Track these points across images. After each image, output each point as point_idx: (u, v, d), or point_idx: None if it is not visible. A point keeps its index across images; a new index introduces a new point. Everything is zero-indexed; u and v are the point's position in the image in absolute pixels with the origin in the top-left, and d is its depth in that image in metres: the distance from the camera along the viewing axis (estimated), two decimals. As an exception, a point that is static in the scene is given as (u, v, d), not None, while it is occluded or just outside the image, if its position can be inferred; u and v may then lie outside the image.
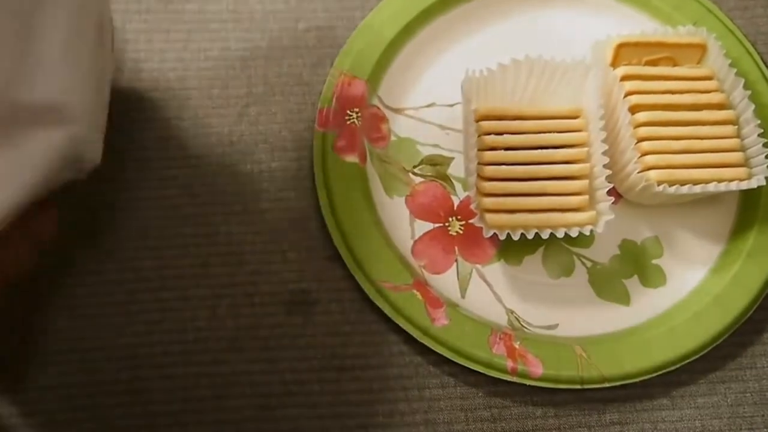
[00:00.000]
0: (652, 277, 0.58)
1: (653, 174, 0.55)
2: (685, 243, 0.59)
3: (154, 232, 0.58)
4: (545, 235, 0.54)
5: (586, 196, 0.55)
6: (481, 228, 0.54)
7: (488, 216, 0.54)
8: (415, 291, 0.55)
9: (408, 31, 0.62)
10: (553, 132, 0.56)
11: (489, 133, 0.56)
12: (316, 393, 0.55)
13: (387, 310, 0.55)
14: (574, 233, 0.54)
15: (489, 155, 0.55)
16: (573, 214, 0.54)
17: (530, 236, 0.54)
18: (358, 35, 0.62)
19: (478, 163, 0.55)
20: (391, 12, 0.63)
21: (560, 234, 0.54)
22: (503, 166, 0.55)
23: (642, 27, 0.62)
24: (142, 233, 0.58)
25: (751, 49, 0.63)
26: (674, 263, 0.59)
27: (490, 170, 0.54)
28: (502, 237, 0.54)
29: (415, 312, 0.55)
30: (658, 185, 0.55)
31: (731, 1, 0.66)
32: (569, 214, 0.55)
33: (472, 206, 0.55)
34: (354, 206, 0.57)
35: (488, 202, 0.54)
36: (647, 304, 0.57)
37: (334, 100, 0.60)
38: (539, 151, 0.55)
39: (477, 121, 0.56)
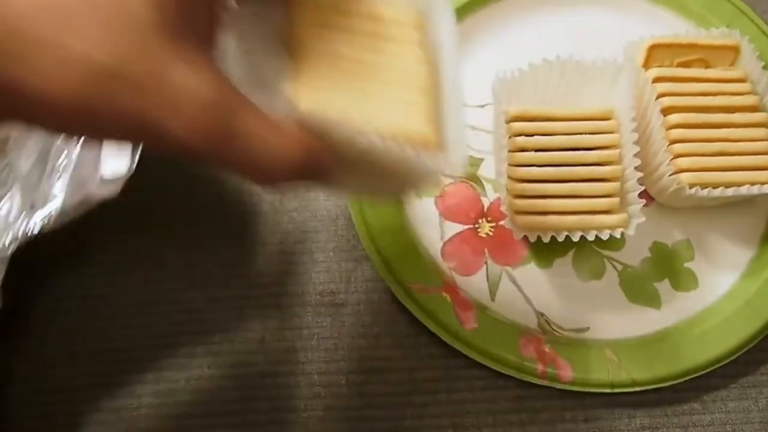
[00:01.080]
0: (683, 280, 0.58)
1: (685, 176, 0.55)
2: (717, 246, 0.59)
3: (180, 231, 0.58)
4: (575, 238, 0.54)
5: (618, 199, 0.54)
6: (511, 230, 0.54)
7: (519, 218, 0.54)
8: (444, 293, 0.55)
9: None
10: (585, 133, 0.55)
11: (520, 135, 0.55)
12: (344, 395, 0.55)
13: (416, 312, 0.55)
14: (604, 236, 0.54)
15: (520, 157, 0.54)
16: (604, 217, 0.54)
17: (561, 238, 0.54)
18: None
19: (509, 165, 0.54)
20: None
21: (591, 236, 0.54)
22: (534, 168, 0.54)
23: (674, 28, 0.62)
24: (167, 232, 0.58)
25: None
26: (706, 267, 0.58)
27: (521, 172, 0.54)
28: (533, 239, 0.54)
29: (444, 314, 0.55)
30: (690, 188, 0.54)
31: (765, 3, 0.65)
32: (600, 216, 0.54)
33: (503, 208, 0.54)
34: (383, 207, 0.57)
35: (519, 203, 0.54)
36: (678, 308, 0.57)
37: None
38: (571, 152, 0.54)
39: (508, 122, 0.55)
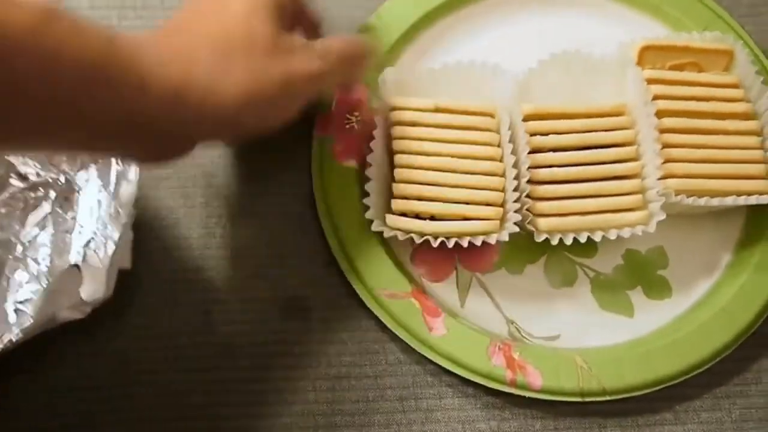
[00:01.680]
0: (656, 288, 0.57)
1: (673, 182, 0.54)
2: (692, 253, 0.58)
3: (145, 234, 0.57)
4: (597, 238, 0.53)
5: (641, 196, 0.54)
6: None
7: (542, 220, 0.53)
8: (412, 299, 0.54)
9: (410, 34, 0.61)
10: (600, 130, 0.54)
11: (536, 134, 0.54)
12: (311, 402, 0.54)
13: (384, 317, 0.54)
14: (626, 234, 0.53)
15: (539, 158, 0.54)
16: (626, 215, 0.53)
17: (582, 240, 0.53)
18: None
19: (530, 167, 0.53)
20: (393, 15, 0.61)
21: (612, 236, 0.53)
22: (556, 168, 0.54)
23: (652, 33, 0.61)
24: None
25: (762, 56, 0.62)
26: (680, 274, 0.57)
27: (543, 173, 0.53)
28: (554, 242, 0.53)
29: (412, 320, 0.54)
30: (677, 195, 0.53)
31: (742, 8, 0.65)
32: (622, 214, 0.53)
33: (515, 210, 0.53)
34: (352, 212, 0.56)
35: (544, 206, 0.53)
36: (651, 316, 0.56)
37: (334, 104, 0.58)
38: (589, 151, 0.54)
39: (524, 121, 0.55)
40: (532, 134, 0.54)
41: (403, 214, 0.53)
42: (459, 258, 0.57)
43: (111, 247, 0.51)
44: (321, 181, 0.57)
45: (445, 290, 0.56)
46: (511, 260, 0.57)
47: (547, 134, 0.54)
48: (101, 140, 0.44)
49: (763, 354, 0.56)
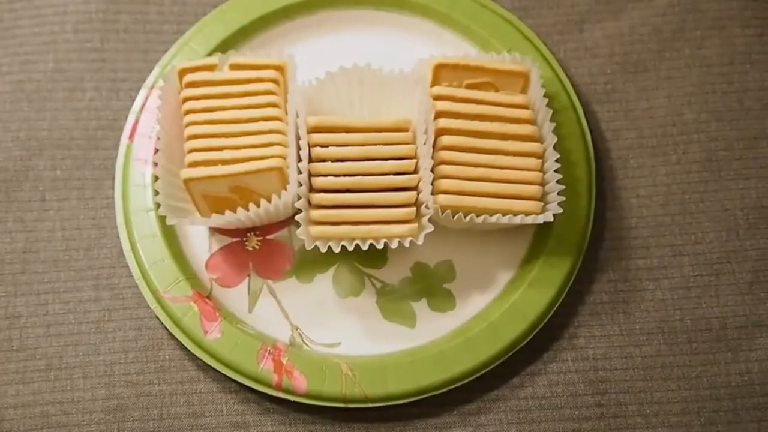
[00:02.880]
0: (441, 301, 0.58)
1: (441, 198, 0.55)
2: (479, 269, 0.59)
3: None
4: (365, 246, 0.55)
5: (413, 209, 0.55)
6: (279, 244, 0.56)
7: (313, 228, 0.55)
8: (192, 303, 0.57)
9: (223, 49, 0.63)
10: (381, 144, 0.56)
11: (318, 145, 0.56)
12: (87, 388, 0.56)
13: (163, 318, 0.57)
14: (394, 245, 0.55)
15: (319, 167, 0.55)
16: (395, 226, 0.55)
17: (351, 248, 0.55)
18: (171, 52, 0.64)
19: (311, 175, 0.55)
20: (206, 32, 0.64)
21: (380, 245, 0.55)
22: (331, 177, 0.55)
23: (462, 52, 0.62)
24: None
25: (562, 75, 0.63)
26: (465, 289, 0.59)
27: (319, 182, 0.55)
28: (323, 249, 0.55)
29: (190, 323, 0.56)
30: (442, 212, 0.55)
31: (547, 26, 0.66)
32: (392, 226, 0.55)
33: (298, 217, 0.55)
34: (149, 217, 0.59)
35: (316, 214, 0.55)
36: (432, 328, 0.58)
37: (142, 112, 0.62)
38: (367, 162, 0.55)
39: (308, 133, 0.56)
40: (317, 145, 0.56)
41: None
42: (253, 265, 0.59)
43: None
44: (122, 187, 0.60)
45: (235, 296, 0.58)
46: (303, 269, 0.59)
47: (328, 146, 0.56)
48: None
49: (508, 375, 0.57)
